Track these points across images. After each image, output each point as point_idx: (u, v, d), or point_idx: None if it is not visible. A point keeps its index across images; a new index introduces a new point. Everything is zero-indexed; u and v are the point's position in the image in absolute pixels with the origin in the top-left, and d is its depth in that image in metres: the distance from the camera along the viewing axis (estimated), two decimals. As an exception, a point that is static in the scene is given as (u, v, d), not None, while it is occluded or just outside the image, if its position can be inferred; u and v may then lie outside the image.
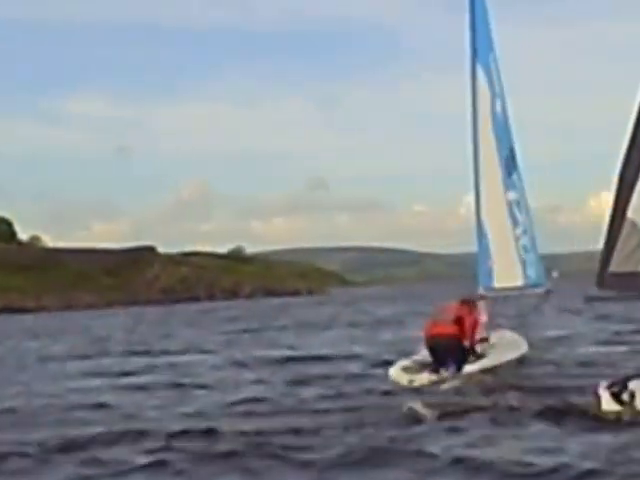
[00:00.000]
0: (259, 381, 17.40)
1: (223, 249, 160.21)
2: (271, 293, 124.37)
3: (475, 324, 16.41)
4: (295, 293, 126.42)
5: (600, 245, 12.41)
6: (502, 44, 18.31)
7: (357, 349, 24.00)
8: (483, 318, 17.20)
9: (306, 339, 29.76)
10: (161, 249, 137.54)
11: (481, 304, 17.56)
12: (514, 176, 18.43)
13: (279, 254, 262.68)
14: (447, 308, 16.57)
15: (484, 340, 17.03)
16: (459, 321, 16.16)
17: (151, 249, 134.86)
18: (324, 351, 23.74)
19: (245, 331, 36.87)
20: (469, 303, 16.67)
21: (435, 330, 16.18)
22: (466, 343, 16.12)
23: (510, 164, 18.23)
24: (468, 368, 15.84)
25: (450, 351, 15.84)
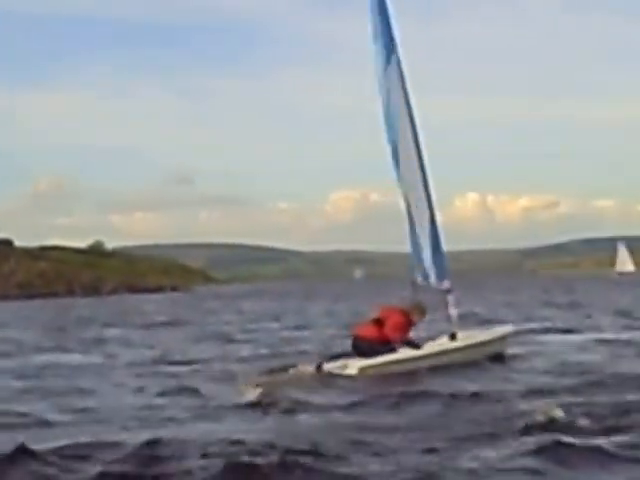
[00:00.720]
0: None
1: (82, 244, 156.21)
2: (134, 289, 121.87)
3: (400, 325, 15.64)
4: (158, 289, 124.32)
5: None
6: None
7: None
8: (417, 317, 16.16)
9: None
10: (18, 243, 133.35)
11: (449, 298, 16.74)
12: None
13: (141, 249, 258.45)
14: (379, 309, 16.16)
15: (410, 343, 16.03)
16: (381, 322, 15.70)
17: (7, 243, 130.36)
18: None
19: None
20: (408, 312, 15.98)
21: (355, 330, 16.17)
22: (392, 344, 15.62)
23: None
24: (357, 363, 15.18)
25: (363, 351, 15.54)
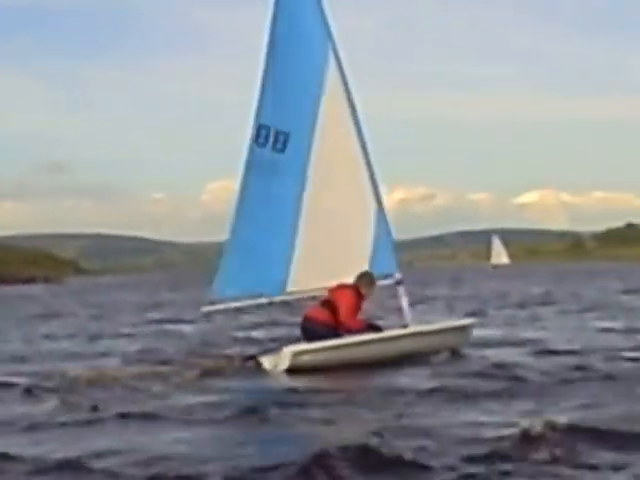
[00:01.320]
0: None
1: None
2: (4, 281, 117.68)
3: (350, 308, 14.46)
4: (30, 281, 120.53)
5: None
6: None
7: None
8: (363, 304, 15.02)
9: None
10: None
11: (400, 290, 15.40)
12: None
13: (10, 240, 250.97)
14: (329, 290, 14.78)
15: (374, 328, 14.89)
16: (332, 304, 14.49)
17: None
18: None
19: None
20: (356, 286, 14.74)
21: (305, 313, 14.85)
22: (341, 328, 14.44)
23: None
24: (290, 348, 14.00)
25: (311, 335, 14.38)
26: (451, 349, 14.94)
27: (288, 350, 13.84)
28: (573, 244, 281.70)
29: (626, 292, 37.56)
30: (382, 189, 15.63)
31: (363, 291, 14.70)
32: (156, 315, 30.78)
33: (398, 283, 15.41)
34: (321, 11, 15.49)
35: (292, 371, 13.51)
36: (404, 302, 15.27)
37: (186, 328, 23.58)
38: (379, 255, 15.37)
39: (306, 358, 13.82)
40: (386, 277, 15.46)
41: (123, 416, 9.78)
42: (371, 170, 15.60)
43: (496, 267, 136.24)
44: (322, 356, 13.90)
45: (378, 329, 14.85)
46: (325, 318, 14.40)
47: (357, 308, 14.61)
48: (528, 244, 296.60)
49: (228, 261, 15.06)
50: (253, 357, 14.49)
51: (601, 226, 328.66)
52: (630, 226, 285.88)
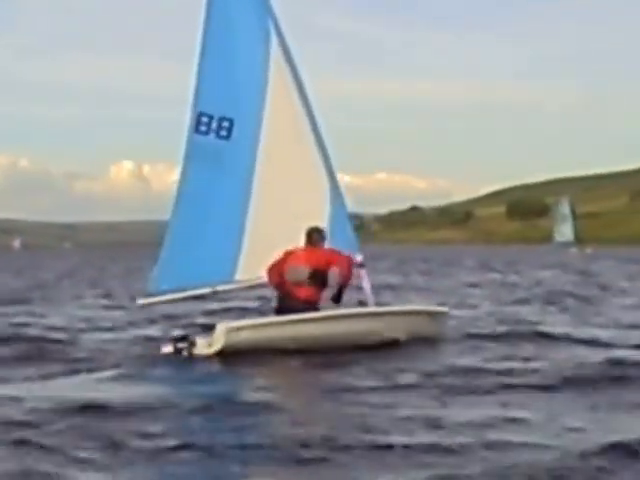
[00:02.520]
0: None
1: None
2: None
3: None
4: None
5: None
6: None
7: None
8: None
9: None
10: None
11: (362, 272, 14.14)
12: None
13: None
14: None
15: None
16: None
17: None
18: None
19: None
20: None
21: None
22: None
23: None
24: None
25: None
26: (423, 336, 13.68)
27: (222, 326, 12.38)
28: (356, 226, 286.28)
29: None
30: (335, 169, 14.70)
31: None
32: None
33: (360, 266, 14.25)
34: None
35: (227, 353, 12.10)
36: (367, 285, 14.16)
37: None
38: (337, 237, 14.24)
39: (244, 336, 12.35)
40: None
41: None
42: (324, 149, 14.66)
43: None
44: (265, 334, 12.53)
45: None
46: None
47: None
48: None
49: (165, 253, 13.90)
50: (185, 337, 12.86)
51: (385, 209, 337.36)
52: (414, 209, 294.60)
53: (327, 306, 13.17)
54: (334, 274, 13.18)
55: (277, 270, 13.31)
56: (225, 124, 14.25)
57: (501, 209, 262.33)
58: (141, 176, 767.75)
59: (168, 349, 12.60)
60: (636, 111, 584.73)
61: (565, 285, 30.72)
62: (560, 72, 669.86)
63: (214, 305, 20.00)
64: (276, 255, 13.52)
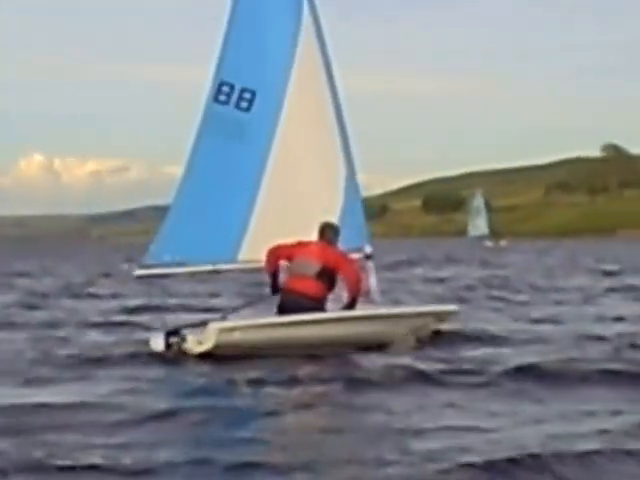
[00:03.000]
0: None
1: None
2: None
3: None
4: None
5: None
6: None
7: None
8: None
9: None
10: None
11: (369, 265, 13.52)
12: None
13: None
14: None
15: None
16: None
17: None
18: None
19: None
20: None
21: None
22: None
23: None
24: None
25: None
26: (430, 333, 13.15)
27: (214, 325, 11.71)
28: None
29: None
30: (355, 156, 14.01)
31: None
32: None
33: (368, 257, 13.59)
34: None
35: (218, 353, 11.47)
36: (373, 279, 13.49)
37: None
38: (347, 226, 13.50)
39: (238, 337, 11.69)
40: (354, 251, 13.51)
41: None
42: (345, 135, 13.98)
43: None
44: (262, 335, 11.84)
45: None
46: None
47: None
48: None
49: (170, 224, 13.29)
50: (177, 331, 12.02)
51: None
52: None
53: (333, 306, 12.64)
54: (349, 288, 12.57)
55: (285, 254, 12.62)
56: (247, 95, 13.58)
57: (417, 203, 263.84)
58: (51, 169, 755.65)
59: (159, 344, 11.85)
60: (553, 105, 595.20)
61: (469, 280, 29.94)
62: (478, 65, 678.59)
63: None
64: (284, 240, 12.75)
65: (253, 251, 13.13)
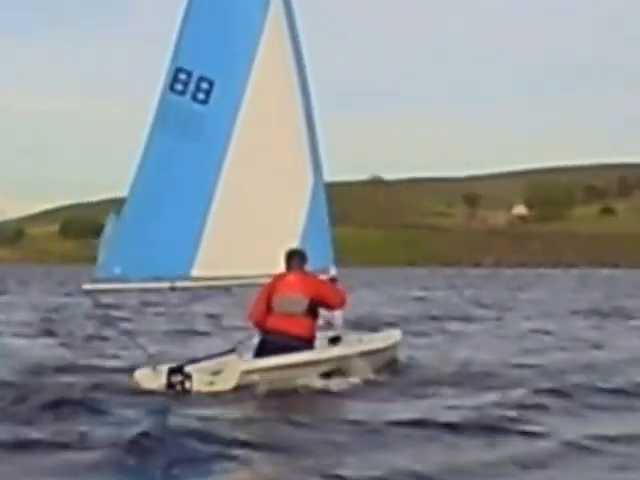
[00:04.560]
0: None
1: None
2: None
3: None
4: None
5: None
6: None
7: None
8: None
9: None
10: None
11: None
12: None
13: None
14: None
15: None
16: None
17: None
18: None
19: None
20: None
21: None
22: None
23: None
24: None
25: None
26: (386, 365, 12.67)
27: (236, 364, 10.86)
28: None
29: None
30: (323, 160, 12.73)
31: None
32: None
33: (333, 280, 12.42)
34: None
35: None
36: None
37: None
38: (311, 243, 12.33)
39: (258, 377, 10.76)
40: (319, 272, 12.33)
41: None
42: (314, 136, 12.69)
43: None
44: (282, 375, 10.90)
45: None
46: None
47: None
48: None
49: (120, 233, 11.77)
50: (180, 369, 10.90)
51: None
52: None
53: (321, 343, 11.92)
54: (339, 314, 12.12)
55: (263, 302, 11.58)
56: (204, 86, 12.09)
57: (55, 228, 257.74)
58: None
59: (159, 382, 10.80)
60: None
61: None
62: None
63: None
64: (241, 255, 11.97)
65: (207, 266, 11.92)
